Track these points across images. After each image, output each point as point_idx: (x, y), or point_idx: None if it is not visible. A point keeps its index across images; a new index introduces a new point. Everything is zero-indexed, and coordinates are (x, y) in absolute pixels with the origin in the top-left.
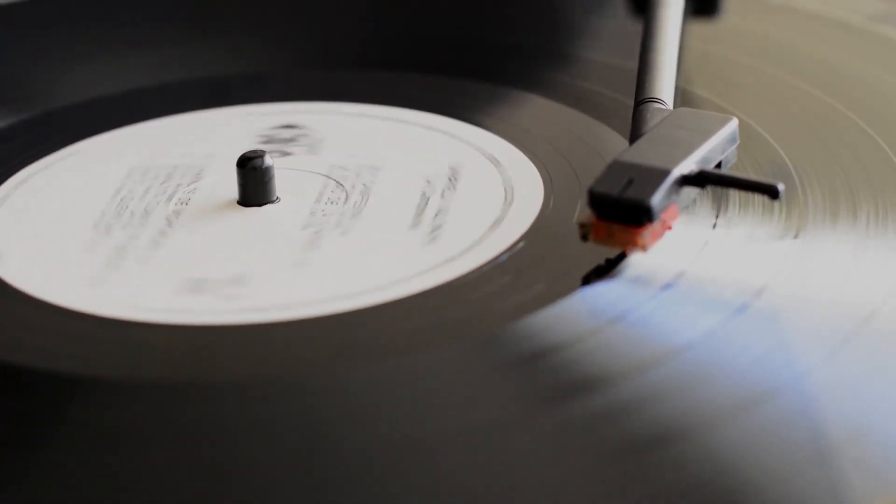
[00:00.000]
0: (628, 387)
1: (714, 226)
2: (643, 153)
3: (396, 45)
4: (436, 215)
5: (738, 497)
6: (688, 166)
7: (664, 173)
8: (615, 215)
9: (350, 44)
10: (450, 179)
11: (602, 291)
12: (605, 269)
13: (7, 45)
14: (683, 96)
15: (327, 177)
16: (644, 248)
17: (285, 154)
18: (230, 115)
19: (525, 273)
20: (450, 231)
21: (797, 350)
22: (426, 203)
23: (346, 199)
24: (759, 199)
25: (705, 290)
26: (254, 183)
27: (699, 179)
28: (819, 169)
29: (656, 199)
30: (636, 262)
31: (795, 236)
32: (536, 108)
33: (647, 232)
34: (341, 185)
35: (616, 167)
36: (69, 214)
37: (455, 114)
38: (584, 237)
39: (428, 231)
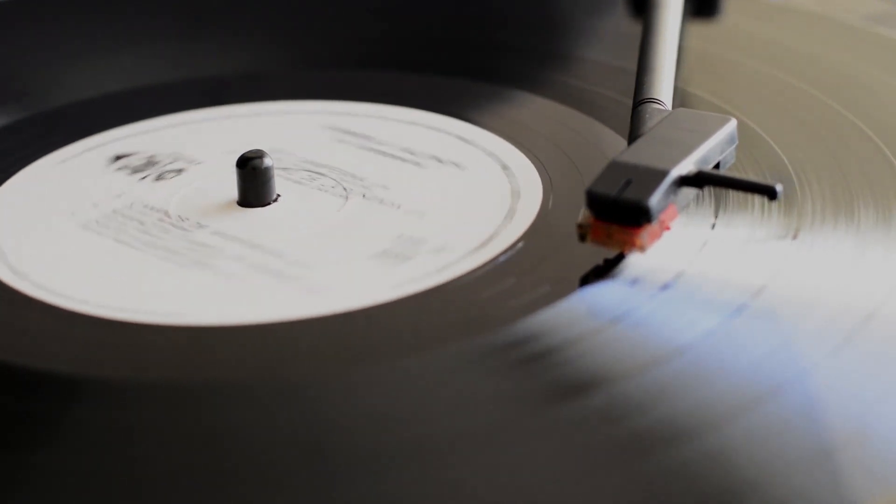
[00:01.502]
0: (628, 387)
1: (713, 226)
2: (642, 154)
3: (396, 45)
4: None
5: (739, 497)
6: (686, 167)
7: (662, 174)
8: (613, 216)
9: (350, 44)
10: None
11: (601, 292)
12: (605, 270)
13: (6, 44)
14: (682, 97)
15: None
16: (642, 248)
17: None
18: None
19: (524, 273)
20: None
21: (796, 350)
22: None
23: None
24: (757, 199)
25: (704, 290)
26: (253, 183)
27: (697, 180)
28: (818, 169)
29: (654, 200)
30: (635, 262)
31: (794, 236)
32: (536, 108)
33: (646, 232)
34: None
35: (614, 168)
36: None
37: (454, 113)
38: (583, 238)
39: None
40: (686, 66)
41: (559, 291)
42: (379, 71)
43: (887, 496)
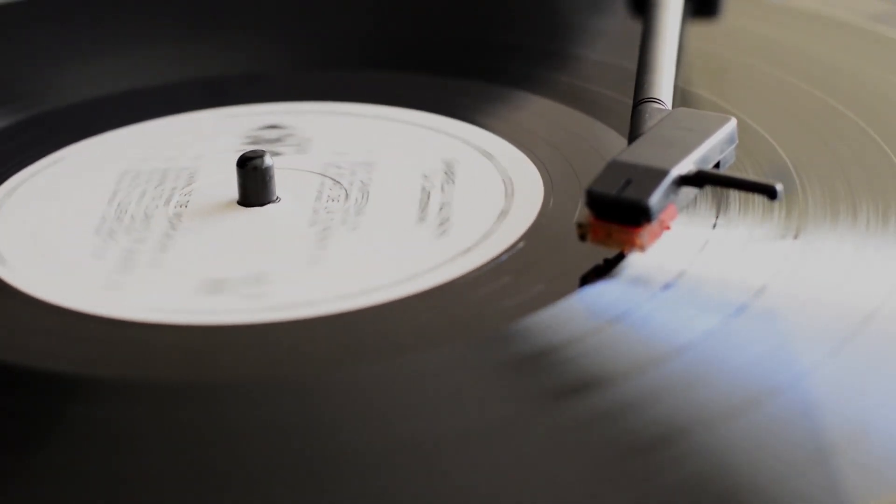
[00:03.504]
0: (628, 387)
1: (714, 226)
2: (641, 153)
3: (393, 45)
4: (435, 216)
5: (738, 497)
6: (686, 166)
7: (662, 173)
8: (613, 215)
9: (347, 44)
10: (448, 179)
11: (602, 291)
12: (605, 269)
13: (3, 46)
14: (683, 96)
15: (325, 176)
16: (642, 248)
17: (274, 154)
18: (219, 116)
19: (525, 273)
20: (449, 231)
21: (797, 350)
22: (426, 204)
23: (347, 198)
24: (759, 199)
25: (705, 290)
26: (254, 183)
27: (697, 179)
28: (819, 169)
29: (654, 200)
30: (636, 262)
31: (795, 236)
32: (536, 108)
33: (645, 232)
34: (340, 184)
35: (614, 167)
36: (68, 216)
37: (455, 113)
38: (583, 237)
39: (425, 232)
40: (687, 66)
41: (559, 291)
42: (377, 72)
43: (888, 497)
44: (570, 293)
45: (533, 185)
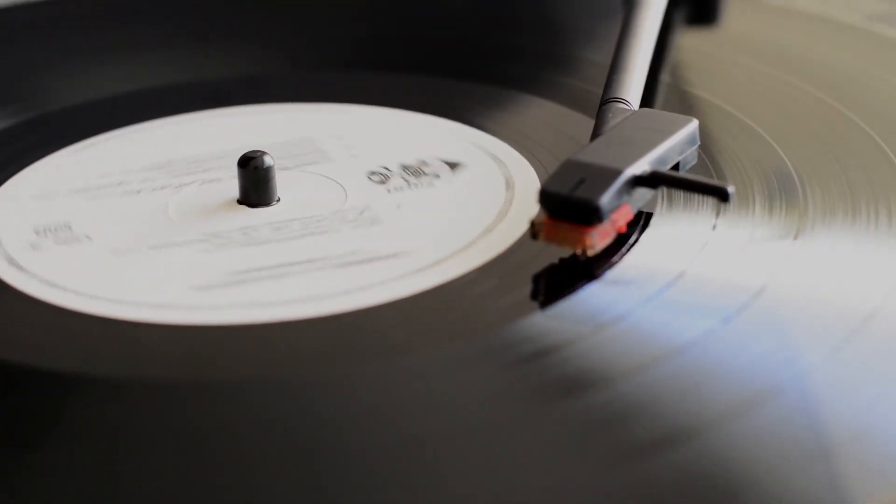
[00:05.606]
0: (628, 387)
1: (714, 226)
2: (598, 153)
3: (395, 48)
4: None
5: (739, 496)
6: (641, 167)
7: (615, 173)
8: (566, 214)
9: (349, 46)
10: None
11: (602, 292)
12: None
13: (7, 47)
14: (682, 98)
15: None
16: (592, 247)
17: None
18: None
19: (524, 274)
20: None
21: (797, 350)
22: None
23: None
24: (758, 199)
25: (705, 290)
26: (255, 183)
27: (652, 180)
28: (819, 169)
29: (605, 199)
30: (637, 263)
31: (795, 237)
32: (536, 110)
33: (596, 232)
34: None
35: (569, 166)
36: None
37: (454, 115)
38: (534, 236)
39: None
40: (687, 68)
41: (560, 292)
42: (379, 73)
43: (887, 495)
44: (570, 294)
45: (532, 186)
